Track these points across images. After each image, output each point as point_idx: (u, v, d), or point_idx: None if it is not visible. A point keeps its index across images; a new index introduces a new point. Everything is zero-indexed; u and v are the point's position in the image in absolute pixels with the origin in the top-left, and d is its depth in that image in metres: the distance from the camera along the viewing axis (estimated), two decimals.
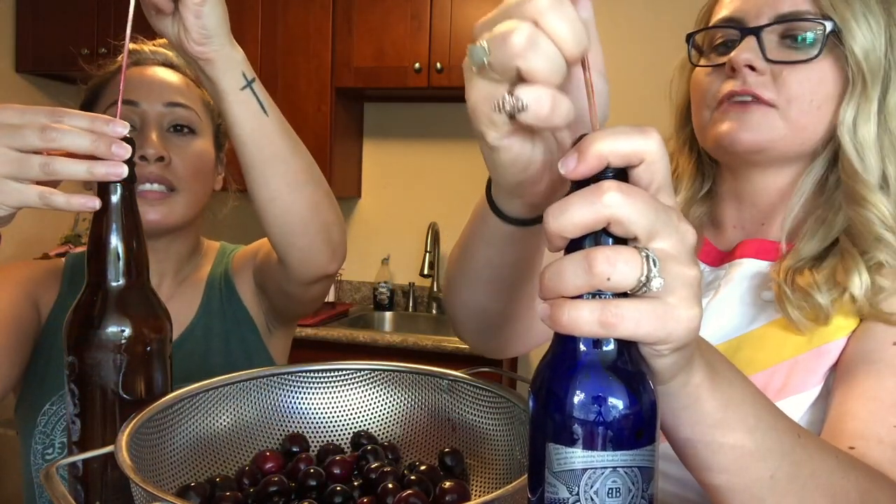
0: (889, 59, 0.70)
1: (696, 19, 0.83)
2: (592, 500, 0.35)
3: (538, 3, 0.38)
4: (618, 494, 0.35)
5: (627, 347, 0.36)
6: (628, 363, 0.36)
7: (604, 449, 0.35)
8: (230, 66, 0.73)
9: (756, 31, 0.71)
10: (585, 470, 0.35)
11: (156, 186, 0.91)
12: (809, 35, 0.70)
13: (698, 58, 0.80)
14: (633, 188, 0.35)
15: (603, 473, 0.35)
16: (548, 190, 0.50)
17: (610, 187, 0.34)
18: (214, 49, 0.71)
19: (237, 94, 0.74)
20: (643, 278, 0.34)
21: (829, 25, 0.69)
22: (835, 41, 0.69)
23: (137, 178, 0.89)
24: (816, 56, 0.69)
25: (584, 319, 0.34)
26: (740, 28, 0.73)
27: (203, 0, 0.68)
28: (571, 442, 0.35)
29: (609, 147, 0.35)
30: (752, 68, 0.71)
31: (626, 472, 0.35)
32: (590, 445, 0.35)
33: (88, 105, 0.98)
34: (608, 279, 0.34)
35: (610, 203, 0.34)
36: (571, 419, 0.35)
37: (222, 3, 0.71)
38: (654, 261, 0.35)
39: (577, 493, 0.35)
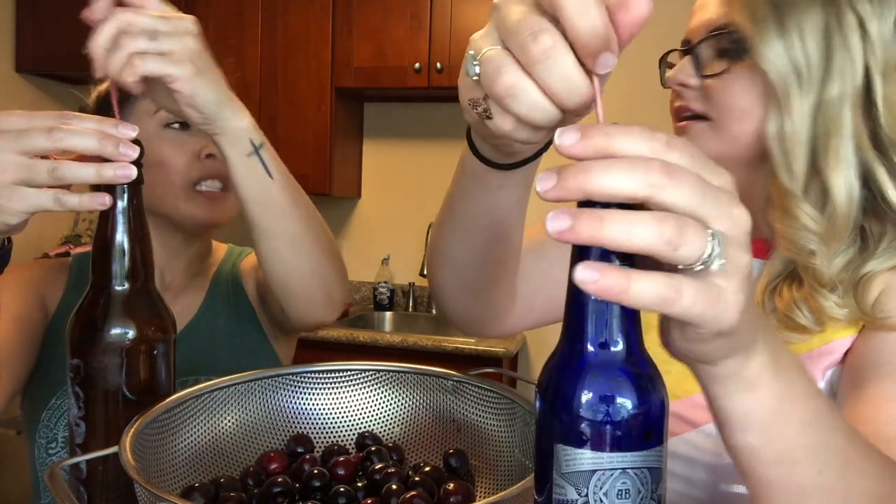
0: (825, 58, 0.68)
1: None
2: (602, 501, 0.35)
3: (530, 53, 0.37)
4: (627, 496, 0.35)
5: (636, 347, 0.36)
6: (636, 363, 0.36)
7: (613, 450, 0.35)
8: (236, 137, 0.72)
9: (690, 51, 0.75)
10: (594, 471, 0.35)
11: (217, 185, 0.93)
12: (734, 49, 0.71)
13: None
14: (678, 170, 0.33)
15: (612, 475, 0.35)
16: (526, 147, 0.53)
17: (653, 168, 0.32)
18: (218, 125, 0.71)
19: (243, 159, 0.74)
20: (706, 256, 0.33)
21: (739, 35, 0.70)
22: (749, 49, 0.70)
23: (204, 174, 0.91)
24: (730, 67, 0.71)
25: (646, 290, 0.32)
26: (685, 49, 0.77)
27: (191, 93, 0.66)
28: (580, 443, 0.35)
29: (598, 188, 0.32)
30: (683, 86, 0.75)
31: (635, 474, 0.35)
32: (599, 446, 0.35)
33: (122, 101, 0.97)
34: (675, 249, 0.32)
35: (655, 183, 0.32)
36: (580, 420, 0.35)
37: (215, 85, 0.69)
38: (719, 240, 0.33)
39: (586, 495, 0.35)
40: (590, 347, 0.36)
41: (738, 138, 0.72)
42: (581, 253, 0.35)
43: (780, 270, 0.72)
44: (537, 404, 0.38)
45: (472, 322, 0.81)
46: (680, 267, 0.33)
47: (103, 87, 0.98)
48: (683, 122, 0.76)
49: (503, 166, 0.57)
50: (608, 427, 0.35)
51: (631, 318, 0.36)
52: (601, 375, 0.35)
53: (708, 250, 0.33)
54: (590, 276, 0.32)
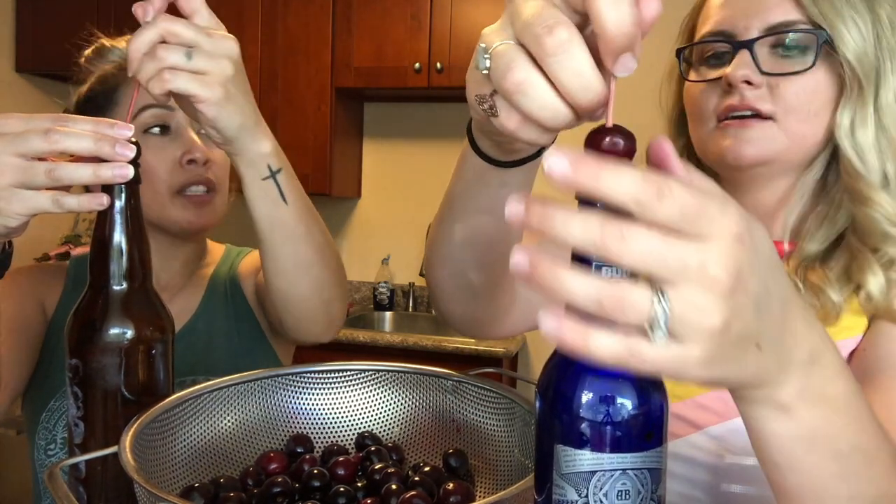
0: (878, 57, 0.70)
1: (679, 30, 0.83)
2: (601, 502, 0.35)
3: (544, 45, 0.36)
4: (627, 497, 0.35)
5: None
6: None
7: (613, 451, 0.35)
8: (255, 160, 0.72)
9: (748, 45, 0.71)
10: (594, 472, 0.35)
11: (201, 189, 0.92)
12: (802, 45, 0.70)
13: (688, 70, 0.79)
14: (635, 238, 0.31)
15: (612, 476, 0.35)
16: (528, 145, 0.52)
17: (607, 237, 0.31)
18: (237, 147, 0.70)
19: (258, 181, 0.73)
20: (648, 327, 0.32)
21: (821, 34, 0.69)
22: (828, 49, 0.69)
23: (187, 180, 0.90)
24: (812, 66, 0.69)
25: (603, 350, 0.32)
26: (731, 42, 0.73)
27: (215, 117, 0.65)
28: (580, 444, 0.35)
29: (554, 238, 0.32)
30: (748, 83, 0.71)
31: (635, 475, 0.35)
32: (599, 447, 0.35)
33: (103, 105, 0.96)
34: (616, 317, 0.32)
35: (604, 249, 0.32)
36: (580, 420, 0.35)
37: (242, 111, 0.68)
38: (664, 311, 0.32)
39: (586, 496, 0.35)
40: None
41: (805, 139, 0.72)
42: (579, 259, 0.35)
43: (812, 253, 0.72)
44: (537, 405, 0.38)
45: (470, 323, 0.80)
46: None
47: (84, 88, 0.97)
48: (735, 121, 0.72)
49: (504, 164, 0.56)
50: (608, 428, 0.35)
51: None
52: (601, 376, 0.35)
53: (650, 321, 0.32)
54: (550, 326, 0.32)
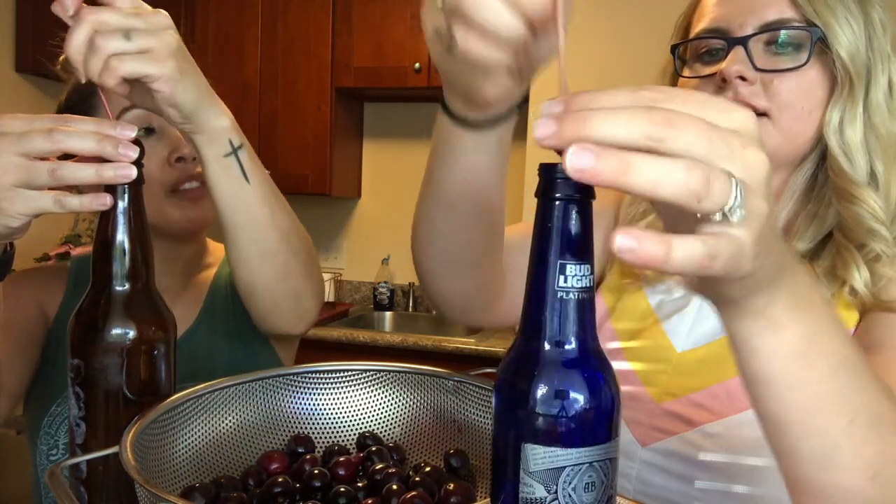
0: (869, 57, 0.71)
1: (674, 28, 0.83)
2: (570, 496, 0.35)
3: None
4: (593, 488, 0.35)
5: (596, 342, 0.37)
6: (599, 357, 0.37)
7: (583, 445, 0.35)
8: (214, 137, 0.71)
9: (743, 41, 0.71)
10: (564, 467, 0.35)
11: (194, 184, 0.90)
12: (797, 42, 0.71)
13: (682, 67, 0.79)
14: (680, 116, 0.31)
15: (580, 469, 0.35)
16: (495, 96, 0.53)
17: (655, 117, 0.31)
18: (197, 124, 0.69)
19: (219, 160, 0.72)
20: (728, 208, 0.32)
21: (815, 32, 0.69)
22: (822, 46, 0.70)
23: (179, 178, 0.89)
24: (805, 63, 0.70)
25: (684, 259, 0.31)
26: (726, 38, 0.73)
27: (172, 92, 0.64)
28: (552, 441, 0.35)
29: (596, 137, 0.31)
30: (742, 79, 0.71)
31: (600, 466, 0.35)
32: (570, 443, 0.35)
33: (83, 112, 0.95)
34: (700, 201, 0.31)
35: (654, 134, 0.31)
36: (554, 419, 0.35)
37: (196, 83, 0.67)
38: (741, 190, 0.32)
39: (556, 492, 0.35)
40: (563, 345, 0.36)
41: (797, 137, 0.72)
42: (542, 234, 0.35)
43: (801, 251, 0.73)
44: (496, 404, 0.37)
45: (460, 304, 0.79)
46: (698, 215, 0.32)
47: (62, 97, 0.96)
48: None
49: (477, 125, 0.57)
50: (582, 424, 0.35)
51: (593, 315, 0.36)
52: (577, 374, 0.35)
53: (731, 202, 0.32)
54: (628, 244, 0.30)
